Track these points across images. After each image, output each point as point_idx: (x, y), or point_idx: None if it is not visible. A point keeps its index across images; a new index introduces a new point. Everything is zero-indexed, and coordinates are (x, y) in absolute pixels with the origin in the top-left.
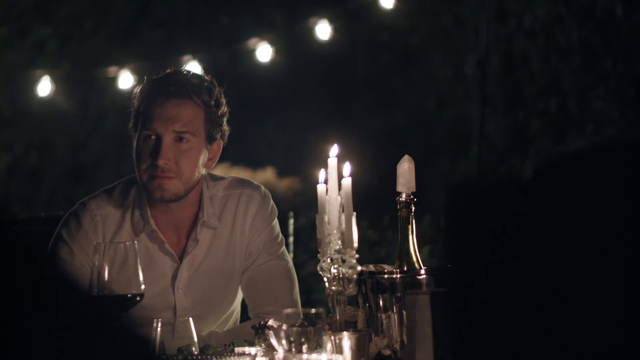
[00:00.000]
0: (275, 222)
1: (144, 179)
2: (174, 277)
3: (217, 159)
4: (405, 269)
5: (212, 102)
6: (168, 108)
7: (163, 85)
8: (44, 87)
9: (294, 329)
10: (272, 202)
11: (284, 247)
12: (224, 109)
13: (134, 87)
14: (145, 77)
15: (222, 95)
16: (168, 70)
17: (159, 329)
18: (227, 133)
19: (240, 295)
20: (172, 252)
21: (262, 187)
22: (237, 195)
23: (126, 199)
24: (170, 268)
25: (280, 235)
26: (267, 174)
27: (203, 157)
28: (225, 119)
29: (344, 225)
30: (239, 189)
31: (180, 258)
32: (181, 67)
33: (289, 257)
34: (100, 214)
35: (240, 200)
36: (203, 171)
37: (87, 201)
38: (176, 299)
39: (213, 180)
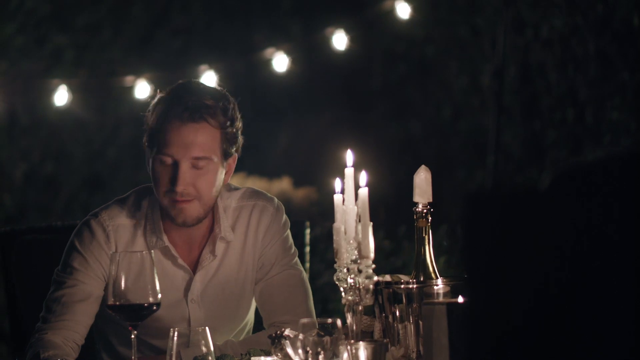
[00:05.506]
0: (288, 233)
1: (164, 203)
2: (187, 289)
3: (233, 172)
4: (421, 279)
5: (228, 122)
6: (184, 133)
7: (178, 107)
8: (61, 96)
9: (311, 338)
10: (285, 214)
11: (297, 258)
12: (239, 124)
13: (150, 97)
14: (158, 91)
15: (237, 109)
16: (180, 81)
17: (175, 338)
18: (241, 144)
19: (253, 308)
20: (185, 266)
21: (276, 199)
22: (250, 207)
23: (139, 210)
24: (183, 280)
25: (294, 246)
26: (283, 184)
27: (220, 177)
28: (239, 132)
29: (360, 235)
30: (252, 201)
31: (193, 270)
32: (195, 78)
33: (302, 267)
34: (113, 224)
35: (254, 212)
36: (220, 188)
37: (100, 212)
38: (190, 311)
39: (227, 191)
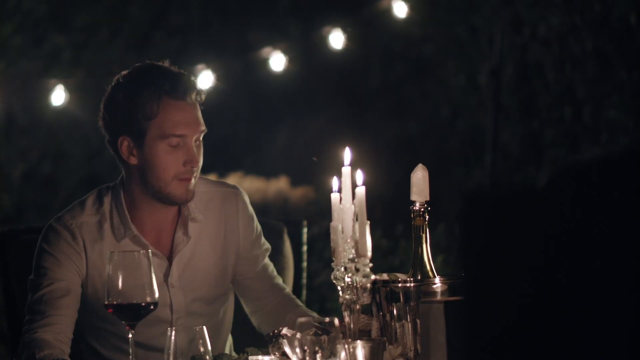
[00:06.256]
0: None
1: (169, 187)
2: (166, 275)
3: None
4: (419, 277)
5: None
6: (189, 112)
7: (177, 88)
8: (58, 96)
9: (308, 337)
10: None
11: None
12: None
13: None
14: (123, 74)
15: None
16: (144, 65)
17: (172, 337)
18: None
19: (232, 295)
20: (158, 253)
21: (238, 187)
22: (219, 194)
23: (101, 206)
24: (160, 267)
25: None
26: (281, 183)
27: None
28: None
29: (357, 234)
30: (219, 188)
31: (169, 256)
32: (193, 78)
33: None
34: (76, 222)
35: (226, 199)
36: None
37: (62, 215)
38: (171, 296)
39: None
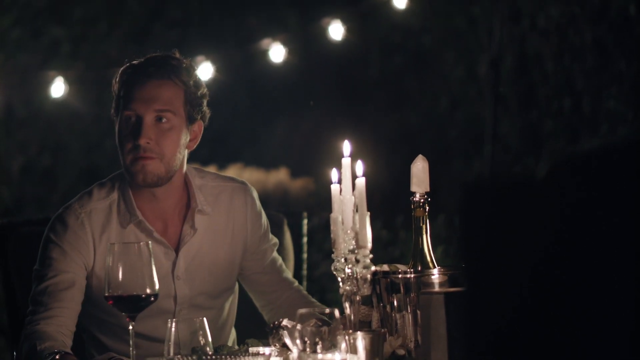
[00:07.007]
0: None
1: (127, 162)
2: (173, 266)
3: (199, 141)
4: (419, 268)
5: (192, 82)
6: (148, 88)
7: (142, 67)
8: (58, 88)
9: (309, 328)
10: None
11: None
12: (204, 90)
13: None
14: (125, 61)
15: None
16: (148, 56)
17: (173, 329)
18: (207, 115)
19: (237, 289)
20: (162, 240)
21: (246, 182)
22: (229, 188)
23: (110, 192)
24: (166, 257)
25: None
26: (281, 175)
27: (184, 138)
28: (205, 101)
29: (357, 225)
30: (229, 183)
31: (176, 247)
32: (160, 52)
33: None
34: (84, 210)
35: (235, 193)
36: (185, 153)
37: (71, 204)
38: (176, 288)
39: (200, 172)
